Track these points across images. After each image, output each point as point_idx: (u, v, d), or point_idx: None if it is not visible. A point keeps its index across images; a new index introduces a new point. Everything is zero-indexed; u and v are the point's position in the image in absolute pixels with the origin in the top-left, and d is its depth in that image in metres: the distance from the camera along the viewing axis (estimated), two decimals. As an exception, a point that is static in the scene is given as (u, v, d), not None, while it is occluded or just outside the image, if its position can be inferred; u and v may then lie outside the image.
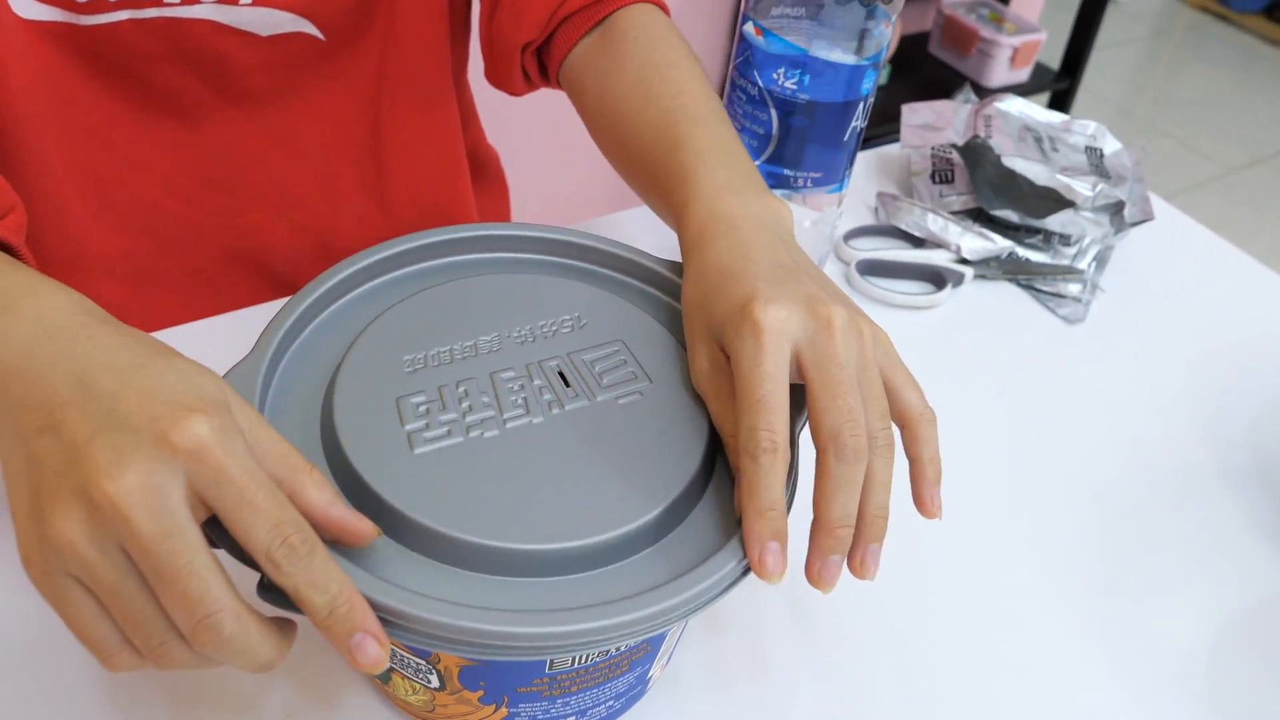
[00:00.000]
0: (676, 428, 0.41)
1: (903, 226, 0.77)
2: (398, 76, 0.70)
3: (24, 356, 0.33)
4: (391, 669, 0.41)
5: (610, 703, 0.43)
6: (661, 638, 0.41)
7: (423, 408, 0.40)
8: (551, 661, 0.38)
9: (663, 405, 0.41)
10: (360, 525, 0.35)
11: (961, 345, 0.69)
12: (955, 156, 0.78)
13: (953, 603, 0.53)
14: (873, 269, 0.74)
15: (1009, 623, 0.52)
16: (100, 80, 0.61)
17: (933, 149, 0.79)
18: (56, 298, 0.36)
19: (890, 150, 0.86)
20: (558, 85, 0.64)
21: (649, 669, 0.43)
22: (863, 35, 0.56)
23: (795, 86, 0.57)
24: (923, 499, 0.39)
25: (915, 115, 0.80)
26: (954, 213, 0.78)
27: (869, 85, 0.58)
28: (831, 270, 0.74)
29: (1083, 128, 0.78)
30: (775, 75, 0.57)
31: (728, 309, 0.40)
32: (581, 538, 0.36)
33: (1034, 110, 0.78)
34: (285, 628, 0.34)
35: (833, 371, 0.37)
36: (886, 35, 0.58)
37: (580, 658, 0.38)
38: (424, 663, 0.39)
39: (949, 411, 0.62)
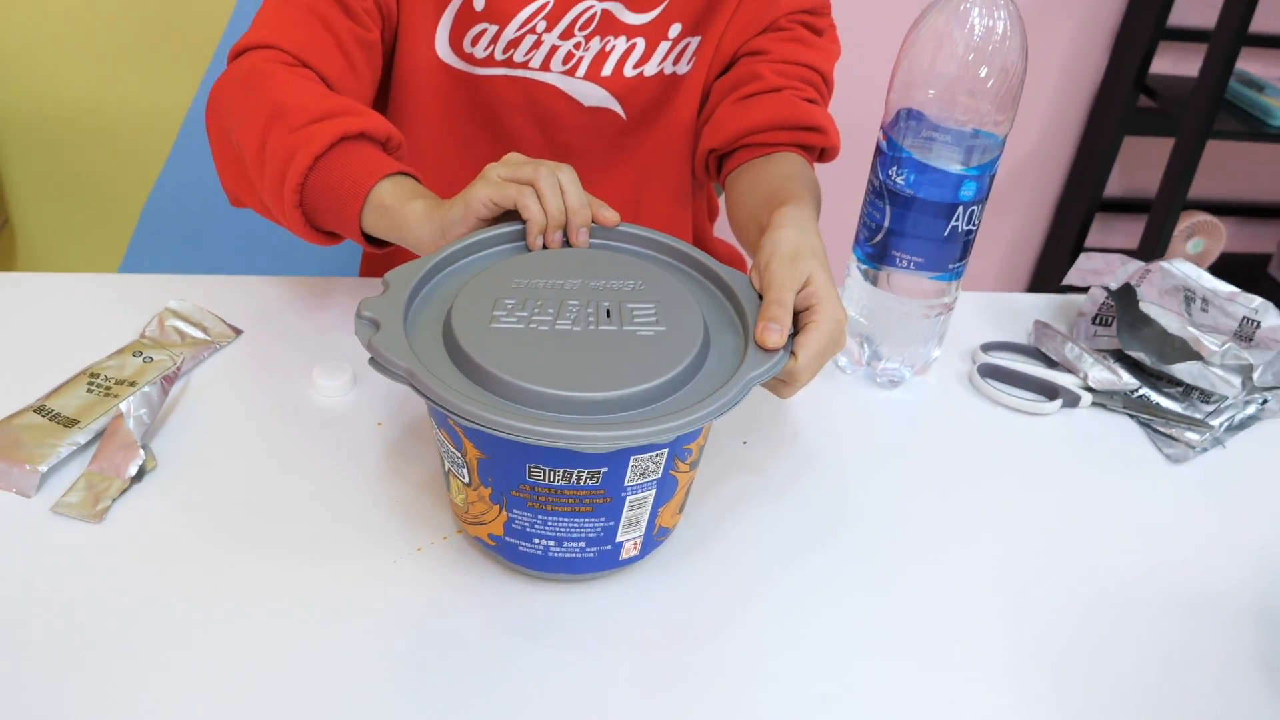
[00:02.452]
0: (660, 358, 0.57)
1: (1043, 349, 0.85)
2: (659, 163, 0.95)
3: (402, 207, 0.68)
4: (448, 471, 0.61)
5: (583, 545, 0.59)
6: (619, 498, 0.57)
7: (508, 305, 0.60)
8: (529, 470, 0.55)
9: (659, 344, 0.58)
10: (604, 210, 0.67)
11: (1061, 455, 0.77)
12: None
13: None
14: (994, 373, 0.83)
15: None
16: (474, 114, 0.91)
17: (1106, 296, 0.87)
18: (425, 201, 0.69)
19: (1079, 299, 0.95)
20: (721, 184, 0.91)
21: (614, 527, 0.59)
22: (969, 150, 0.70)
23: (903, 182, 0.72)
24: None
25: (1088, 262, 0.89)
26: (1100, 350, 0.85)
27: (969, 193, 0.71)
28: (949, 366, 0.84)
29: (1248, 301, 0.82)
30: (890, 173, 0.72)
31: (776, 259, 0.65)
32: (563, 389, 0.54)
33: (1203, 277, 0.84)
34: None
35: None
36: (992, 154, 0.71)
37: (549, 474, 0.55)
38: (458, 454, 0.58)
39: (1025, 508, 0.72)
